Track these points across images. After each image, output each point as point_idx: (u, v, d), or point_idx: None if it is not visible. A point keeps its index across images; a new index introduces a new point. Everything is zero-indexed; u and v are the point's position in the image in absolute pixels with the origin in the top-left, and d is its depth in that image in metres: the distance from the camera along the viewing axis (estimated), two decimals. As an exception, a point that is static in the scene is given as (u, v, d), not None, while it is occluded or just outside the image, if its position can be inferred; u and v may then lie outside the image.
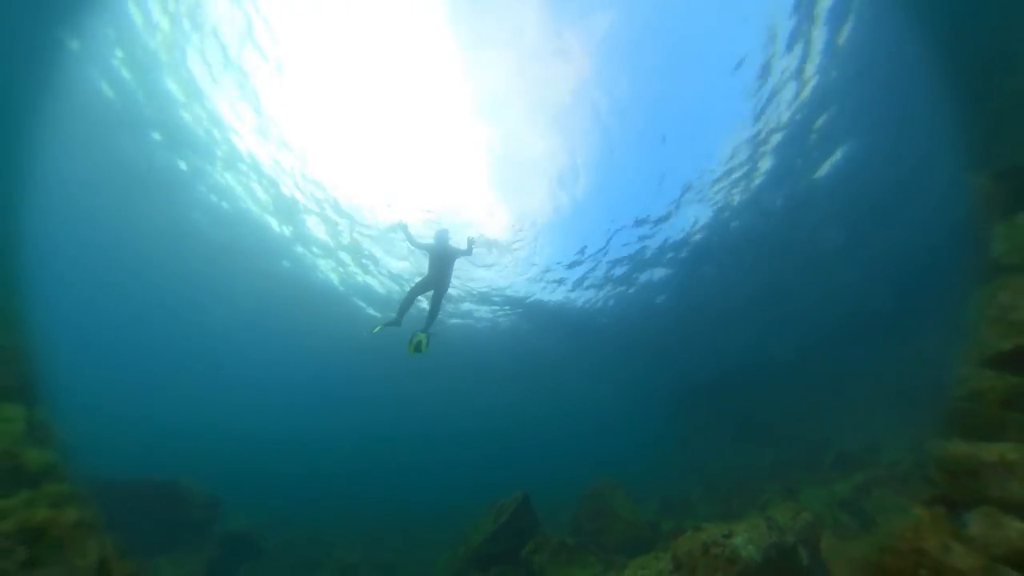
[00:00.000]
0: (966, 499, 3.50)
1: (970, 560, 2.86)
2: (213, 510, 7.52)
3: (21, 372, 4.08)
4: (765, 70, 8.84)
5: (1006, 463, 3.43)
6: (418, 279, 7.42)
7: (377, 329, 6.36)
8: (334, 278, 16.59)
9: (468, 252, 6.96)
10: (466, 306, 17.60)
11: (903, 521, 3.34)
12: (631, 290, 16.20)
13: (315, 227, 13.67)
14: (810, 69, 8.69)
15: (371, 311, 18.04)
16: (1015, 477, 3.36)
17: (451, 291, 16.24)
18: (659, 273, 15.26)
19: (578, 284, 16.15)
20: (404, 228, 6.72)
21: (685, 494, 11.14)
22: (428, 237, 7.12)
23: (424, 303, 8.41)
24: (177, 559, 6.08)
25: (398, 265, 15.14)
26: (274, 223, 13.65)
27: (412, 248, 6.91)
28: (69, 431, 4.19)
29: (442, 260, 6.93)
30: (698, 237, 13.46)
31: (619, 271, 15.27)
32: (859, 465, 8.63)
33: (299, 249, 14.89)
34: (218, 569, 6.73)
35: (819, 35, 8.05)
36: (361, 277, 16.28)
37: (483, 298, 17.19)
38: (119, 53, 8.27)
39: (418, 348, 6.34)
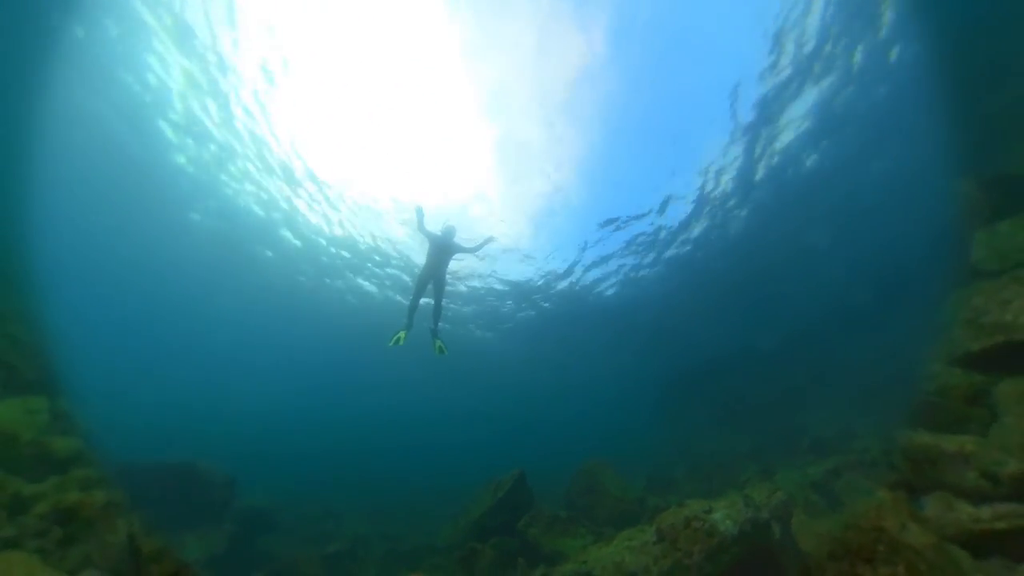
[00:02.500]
0: (926, 484, 3.88)
1: (923, 538, 3.20)
2: (230, 489, 7.92)
3: (42, 365, 4.19)
4: (763, 71, 8.79)
5: (964, 454, 3.78)
6: (417, 271, 7.62)
7: (400, 341, 6.61)
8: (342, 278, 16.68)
9: (474, 250, 7.19)
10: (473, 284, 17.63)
11: (867, 502, 3.63)
12: (628, 282, 16.45)
13: (324, 222, 13.58)
14: (810, 80, 8.68)
15: (376, 310, 18.16)
16: (971, 466, 3.72)
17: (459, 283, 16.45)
18: (654, 266, 15.48)
19: (576, 276, 16.33)
20: (420, 212, 6.88)
21: (670, 473, 11.72)
22: (436, 228, 7.28)
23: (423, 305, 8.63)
24: (200, 534, 6.52)
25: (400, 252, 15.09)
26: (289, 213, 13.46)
27: (419, 232, 7.09)
28: (92, 419, 4.34)
29: (441, 252, 7.22)
30: (686, 230, 13.63)
31: (617, 264, 15.44)
32: (832, 450, 9.07)
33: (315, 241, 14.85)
34: (238, 542, 7.20)
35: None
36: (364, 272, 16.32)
37: (488, 288, 17.33)
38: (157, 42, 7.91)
39: (441, 351, 7.13)
